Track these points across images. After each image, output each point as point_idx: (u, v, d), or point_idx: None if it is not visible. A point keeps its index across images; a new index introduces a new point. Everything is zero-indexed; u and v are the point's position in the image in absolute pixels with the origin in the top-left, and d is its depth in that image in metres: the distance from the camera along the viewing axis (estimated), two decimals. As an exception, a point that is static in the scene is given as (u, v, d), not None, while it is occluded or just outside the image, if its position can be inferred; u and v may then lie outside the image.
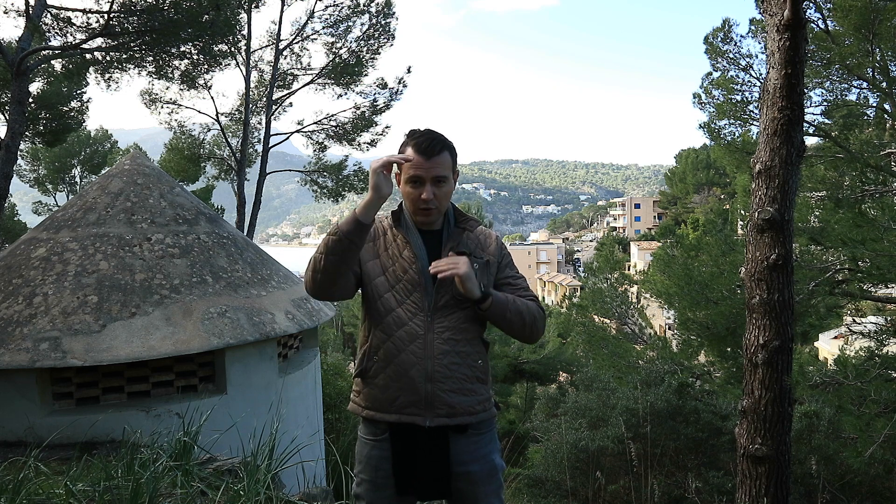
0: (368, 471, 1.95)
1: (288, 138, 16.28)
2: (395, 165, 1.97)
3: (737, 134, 8.46)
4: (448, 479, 1.91)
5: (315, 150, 16.60)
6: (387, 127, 16.22)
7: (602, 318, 10.31)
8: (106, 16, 8.36)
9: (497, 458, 2.01)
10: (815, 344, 19.27)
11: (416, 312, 1.91)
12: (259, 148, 16.03)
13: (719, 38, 8.45)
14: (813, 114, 8.24)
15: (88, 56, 9.27)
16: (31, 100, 10.03)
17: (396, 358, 1.89)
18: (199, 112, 15.50)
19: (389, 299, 1.93)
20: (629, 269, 32.74)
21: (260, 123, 15.90)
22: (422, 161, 1.88)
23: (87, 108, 12.48)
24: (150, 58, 9.44)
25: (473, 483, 1.93)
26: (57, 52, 9.00)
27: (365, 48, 14.86)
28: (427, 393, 1.88)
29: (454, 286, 1.90)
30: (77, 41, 8.75)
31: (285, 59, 15.31)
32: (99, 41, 8.85)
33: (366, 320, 1.98)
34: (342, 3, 14.53)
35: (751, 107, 8.27)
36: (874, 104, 8.01)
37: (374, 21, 14.66)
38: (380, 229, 2.01)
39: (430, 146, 1.89)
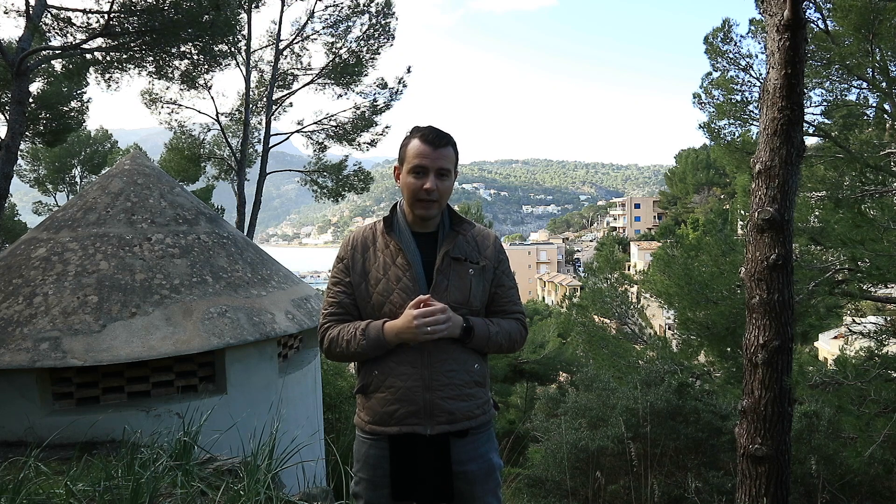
0: (367, 469, 1.94)
1: (288, 138, 16.30)
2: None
3: (737, 134, 8.46)
4: (451, 485, 1.90)
5: (315, 150, 16.63)
6: (387, 127, 16.26)
7: (602, 318, 10.29)
8: (106, 16, 8.37)
9: (495, 456, 2.00)
10: (815, 344, 19.26)
11: None
12: (259, 148, 16.06)
13: (719, 38, 8.45)
14: (813, 114, 8.24)
15: (88, 56, 9.28)
16: (31, 100, 10.03)
17: (395, 370, 1.89)
18: (199, 112, 15.56)
19: (386, 315, 1.91)
20: (629, 269, 32.74)
21: (260, 123, 15.93)
22: (428, 150, 1.86)
23: (87, 108, 12.51)
24: (150, 58, 9.46)
25: (471, 482, 1.93)
26: (57, 52, 9.01)
27: (365, 48, 14.88)
28: (426, 402, 1.87)
29: (449, 293, 1.90)
30: (77, 41, 8.76)
31: (285, 59, 15.34)
32: (99, 41, 8.87)
33: None
34: (342, 3, 14.56)
35: (751, 107, 8.27)
36: (874, 104, 8.01)
37: (373, 21, 14.68)
38: (370, 238, 1.99)
39: (438, 137, 1.89)
